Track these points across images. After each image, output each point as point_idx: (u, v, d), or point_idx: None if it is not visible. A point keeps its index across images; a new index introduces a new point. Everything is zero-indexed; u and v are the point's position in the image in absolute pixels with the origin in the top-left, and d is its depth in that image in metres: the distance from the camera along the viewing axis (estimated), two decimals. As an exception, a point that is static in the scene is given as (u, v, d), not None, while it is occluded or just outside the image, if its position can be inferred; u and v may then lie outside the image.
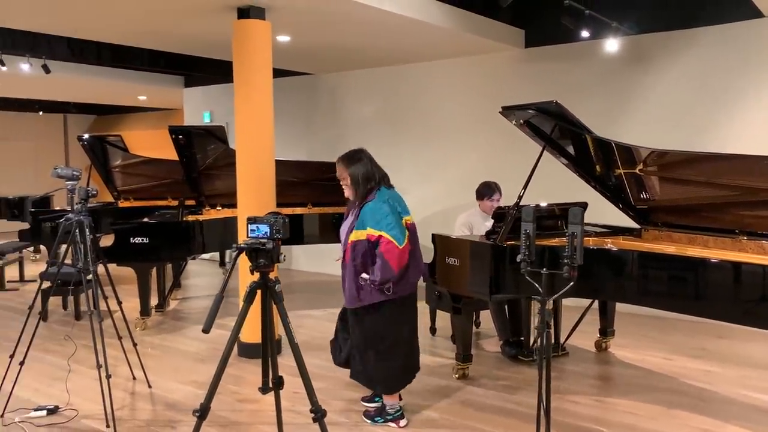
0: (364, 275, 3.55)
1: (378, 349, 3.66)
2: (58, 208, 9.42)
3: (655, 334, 5.67)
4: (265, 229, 2.60)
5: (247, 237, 2.65)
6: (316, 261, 8.80)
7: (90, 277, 3.85)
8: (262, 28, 4.96)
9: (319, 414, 2.70)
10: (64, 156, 15.39)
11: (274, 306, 2.76)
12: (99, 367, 3.67)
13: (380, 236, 3.49)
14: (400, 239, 3.51)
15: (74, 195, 3.91)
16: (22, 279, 8.25)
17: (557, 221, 4.85)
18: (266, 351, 2.70)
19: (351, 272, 3.59)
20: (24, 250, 8.66)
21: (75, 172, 3.96)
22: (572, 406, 4.02)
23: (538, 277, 2.69)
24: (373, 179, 3.65)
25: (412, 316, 3.81)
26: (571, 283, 2.60)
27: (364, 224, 3.55)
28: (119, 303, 4.19)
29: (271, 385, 2.80)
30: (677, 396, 4.20)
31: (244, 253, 2.64)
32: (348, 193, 3.72)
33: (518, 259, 2.72)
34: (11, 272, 8.26)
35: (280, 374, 2.84)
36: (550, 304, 2.76)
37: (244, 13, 4.92)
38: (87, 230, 3.84)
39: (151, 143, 12.58)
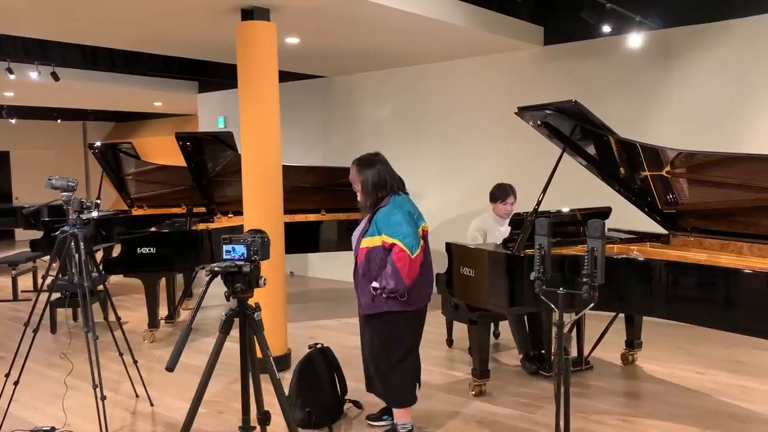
0: (375, 284, 3.36)
1: (390, 361, 3.47)
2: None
3: (685, 345, 5.35)
4: (241, 250, 2.36)
5: (222, 259, 2.40)
6: (330, 268, 8.61)
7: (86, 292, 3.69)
8: (266, 30, 4.77)
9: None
10: (83, 164, 15.41)
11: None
12: (95, 387, 3.51)
13: (393, 244, 3.31)
14: (413, 248, 3.31)
15: (69, 207, 3.76)
16: (35, 289, 8.18)
17: (580, 227, 4.58)
18: (246, 386, 2.45)
19: (365, 279, 3.43)
20: (39, 260, 8.59)
21: (70, 183, 3.80)
22: (598, 427, 3.74)
23: (554, 295, 2.44)
24: (384, 187, 3.46)
25: (421, 328, 3.62)
26: (592, 305, 2.35)
27: (378, 230, 3.38)
28: (118, 320, 4.01)
29: (253, 423, 2.53)
30: (713, 416, 3.89)
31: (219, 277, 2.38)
32: (360, 198, 3.55)
33: (532, 277, 2.47)
34: (26, 282, 8.18)
35: (266, 409, 2.58)
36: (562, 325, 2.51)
37: (247, 14, 4.74)
38: (82, 243, 3.68)
39: (169, 149, 12.46)
